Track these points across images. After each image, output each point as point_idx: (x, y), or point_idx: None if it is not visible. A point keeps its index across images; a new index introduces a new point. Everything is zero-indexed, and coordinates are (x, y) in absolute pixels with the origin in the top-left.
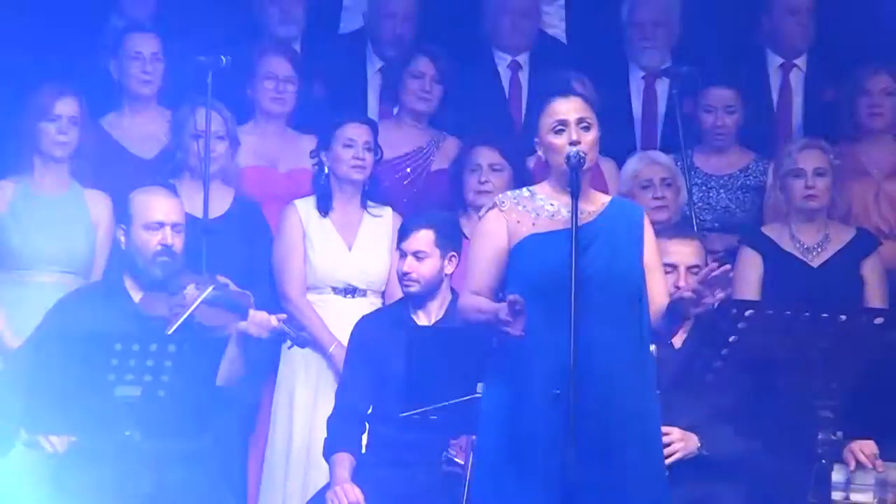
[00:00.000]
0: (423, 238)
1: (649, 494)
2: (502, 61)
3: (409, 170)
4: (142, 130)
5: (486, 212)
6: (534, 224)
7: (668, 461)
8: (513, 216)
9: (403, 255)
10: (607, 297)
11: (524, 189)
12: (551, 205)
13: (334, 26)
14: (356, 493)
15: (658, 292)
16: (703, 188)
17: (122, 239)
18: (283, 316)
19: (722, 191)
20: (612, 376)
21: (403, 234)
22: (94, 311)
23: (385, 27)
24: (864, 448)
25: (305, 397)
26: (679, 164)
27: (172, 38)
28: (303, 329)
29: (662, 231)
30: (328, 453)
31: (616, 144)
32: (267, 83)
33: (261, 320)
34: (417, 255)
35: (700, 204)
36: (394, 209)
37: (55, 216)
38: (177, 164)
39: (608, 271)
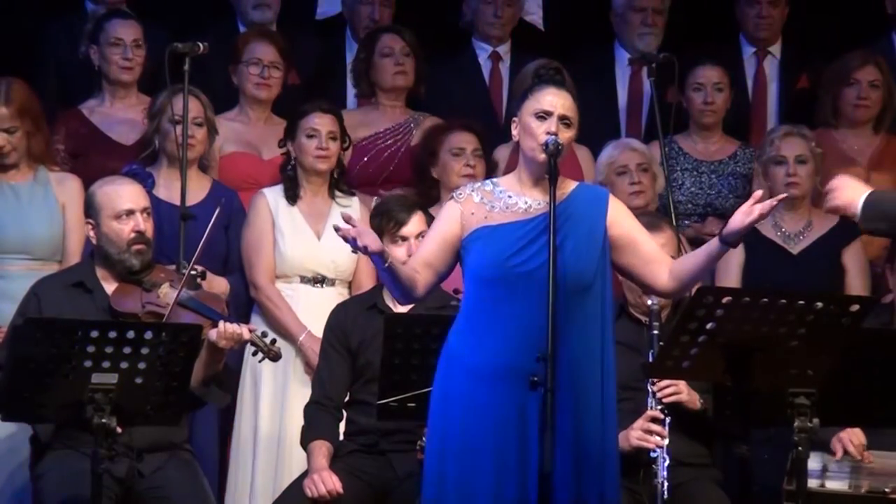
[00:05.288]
0: (420, 219)
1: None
2: (483, 52)
3: (388, 142)
4: (122, 116)
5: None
6: (486, 217)
7: (667, 400)
8: (468, 207)
9: (402, 240)
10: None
11: (487, 181)
12: (510, 196)
13: (311, 12)
14: (334, 480)
15: (655, 253)
16: (695, 173)
17: (92, 233)
18: (255, 328)
19: (713, 176)
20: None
21: (400, 221)
22: (70, 300)
23: (362, 12)
24: (854, 438)
25: (272, 387)
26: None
27: (149, 23)
28: (274, 342)
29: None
30: (305, 441)
31: (600, 133)
32: (252, 69)
33: (232, 333)
34: (422, 237)
35: (693, 188)
36: (370, 188)
37: (20, 204)
38: (155, 151)
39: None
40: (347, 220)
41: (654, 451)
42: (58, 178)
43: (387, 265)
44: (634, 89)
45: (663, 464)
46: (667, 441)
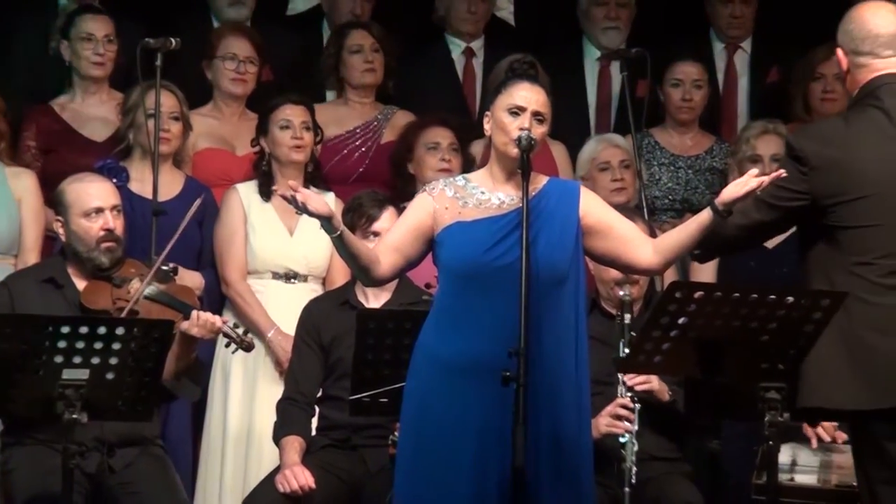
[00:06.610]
0: (392, 215)
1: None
2: (456, 48)
3: (358, 142)
4: (93, 113)
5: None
6: (459, 213)
7: (638, 388)
8: (441, 201)
9: (374, 235)
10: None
11: (459, 177)
12: (482, 193)
13: (284, 8)
14: (306, 475)
15: (633, 233)
16: (672, 168)
17: (61, 231)
18: (227, 319)
19: (690, 171)
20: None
21: (372, 217)
22: (42, 295)
23: (343, 6)
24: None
25: (241, 383)
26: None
27: (122, 18)
28: (247, 332)
29: None
30: (278, 436)
31: (570, 128)
32: (228, 64)
33: (205, 321)
34: None
35: (670, 184)
36: (342, 187)
37: None
38: (129, 146)
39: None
40: (294, 187)
41: (623, 436)
42: (13, 172)
43: (338, 234)
44: (603, 85)
45: (632, 448)
46: (636, 427)
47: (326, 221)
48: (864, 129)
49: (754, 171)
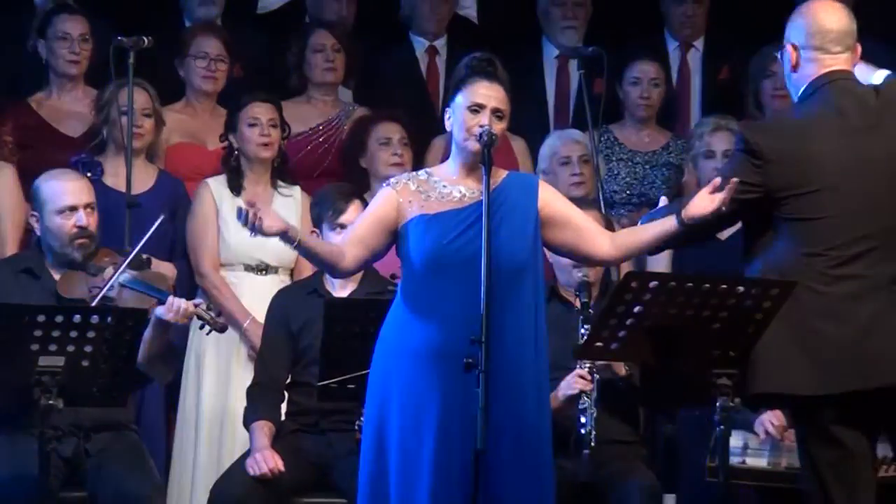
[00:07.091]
0: (358, 208)
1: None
2: (420, 46)
3: (321, 139)
4: (69, 109)
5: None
6: (422, 206)
7: (598, 362)
8: (404, 196)
9: (340, 228)
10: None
11: (422, 171)
12: (444, 186)
13: (254, 6)
14: (276, 459)
15: (590, 225)
16: (630, 163)
17: (36, 226)
18: (200, 301)
19: (647, 166)
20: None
21: (338, 209)
22: (19, 285)
23: (329, 7)
24: (774, 419)
25: (215, 370)
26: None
27: (96, 17)
28: (219, 314)
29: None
30: (248, 421)
31: (530, 124)
32: (199, 62)
33: (177, 306)
34: None
35: (628, 178)
36: (306, 182)
37: None
38: (103, 141)
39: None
40: (252, 204)
41: (583, 402)
42: None
43: (296, 244)
44: (562, 82)
45: (592, 415)
46: (595, 394)
47: (284, 236)
48: (814, 124)
49: (717, 180)
